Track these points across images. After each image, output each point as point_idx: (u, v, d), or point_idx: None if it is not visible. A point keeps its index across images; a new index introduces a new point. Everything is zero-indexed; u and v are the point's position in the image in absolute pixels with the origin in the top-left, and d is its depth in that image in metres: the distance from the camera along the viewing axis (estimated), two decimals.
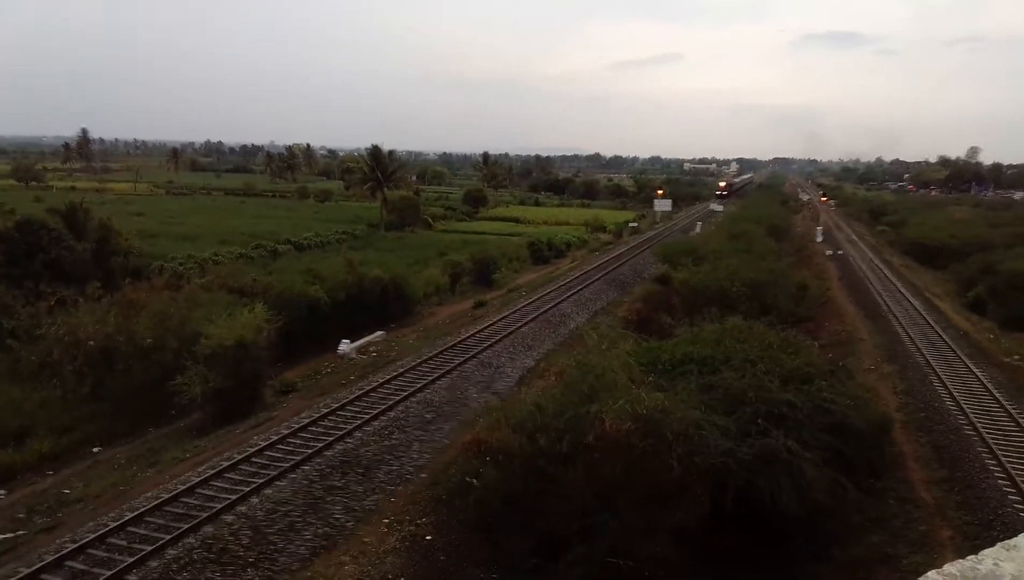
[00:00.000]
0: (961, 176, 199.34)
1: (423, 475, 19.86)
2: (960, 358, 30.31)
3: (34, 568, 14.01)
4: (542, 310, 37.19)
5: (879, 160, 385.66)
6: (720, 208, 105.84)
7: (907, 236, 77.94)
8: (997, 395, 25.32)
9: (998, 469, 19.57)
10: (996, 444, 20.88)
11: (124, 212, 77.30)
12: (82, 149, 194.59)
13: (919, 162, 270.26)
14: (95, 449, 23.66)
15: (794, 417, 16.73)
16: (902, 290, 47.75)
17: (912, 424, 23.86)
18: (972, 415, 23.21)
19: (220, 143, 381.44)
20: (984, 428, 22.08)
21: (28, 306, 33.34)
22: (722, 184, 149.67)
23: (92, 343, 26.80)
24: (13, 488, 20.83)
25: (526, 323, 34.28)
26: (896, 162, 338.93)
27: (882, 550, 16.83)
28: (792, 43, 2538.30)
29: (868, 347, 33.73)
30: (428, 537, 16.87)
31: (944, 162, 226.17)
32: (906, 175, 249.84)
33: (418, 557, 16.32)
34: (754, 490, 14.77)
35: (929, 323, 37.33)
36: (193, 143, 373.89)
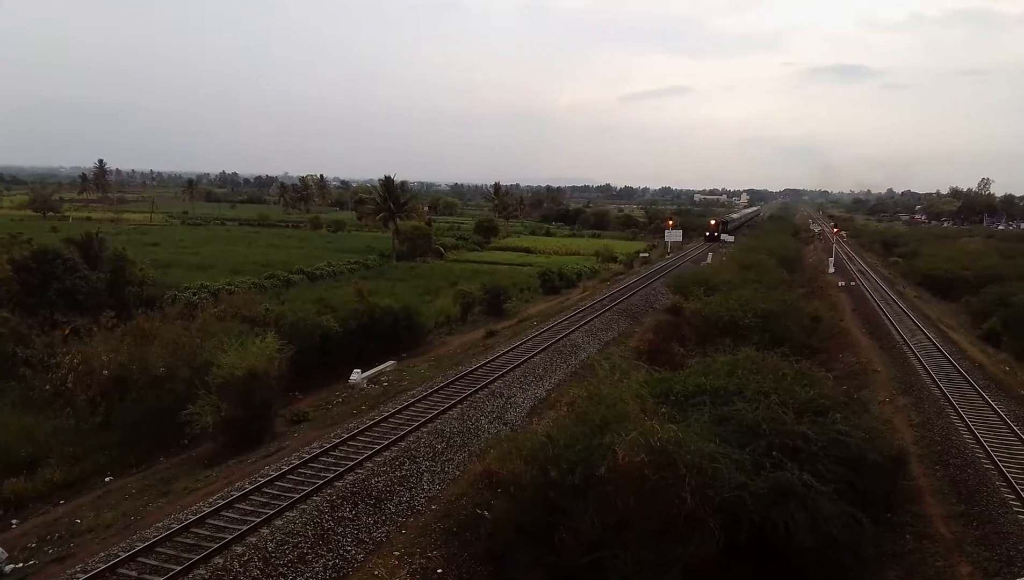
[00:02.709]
0: (973, 207, 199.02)
1: (434, 507, 19.75)
2: (976, 390, 29.96)
3: None
4: (553, 340, 37.13)
5: (890, 191, 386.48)
6: (731, 238, 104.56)
7: (920, 267, 77.69)
8: (1016, 428, 24.98)
9: (1018, 504, 19.25)
10: (1015, 479, 20.54)
11: (139, 242, 78.27)
12: (98, 180, 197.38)
13: (931, 194, 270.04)
14: (107, 478, 23.69)
15: (809, 450, 16.56)
16: (916, 321, 47.39)
17: (929, 457, 23.55)
18: (990, 449, 22.87)
19: (235, 174, 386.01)
20: (1003, 462, 21.73)
21: (43, 335, 33.66)
22: (712, 222, 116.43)
23: (105, 372, 26.94)
24: (25, 517, 20.85)
25: (537, 353, 34.21)
26: (908, 194, 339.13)
27: None
28: (799, 75, 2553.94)
29: (883, 379, 33.43)
30: (439, 570, 16.73)
31: (956, 194, 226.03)
32: (918, 206, 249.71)
33: None
34: (768, 524, 14.58)
35: (944, 354, 36.99)
36: (208, 174, 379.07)
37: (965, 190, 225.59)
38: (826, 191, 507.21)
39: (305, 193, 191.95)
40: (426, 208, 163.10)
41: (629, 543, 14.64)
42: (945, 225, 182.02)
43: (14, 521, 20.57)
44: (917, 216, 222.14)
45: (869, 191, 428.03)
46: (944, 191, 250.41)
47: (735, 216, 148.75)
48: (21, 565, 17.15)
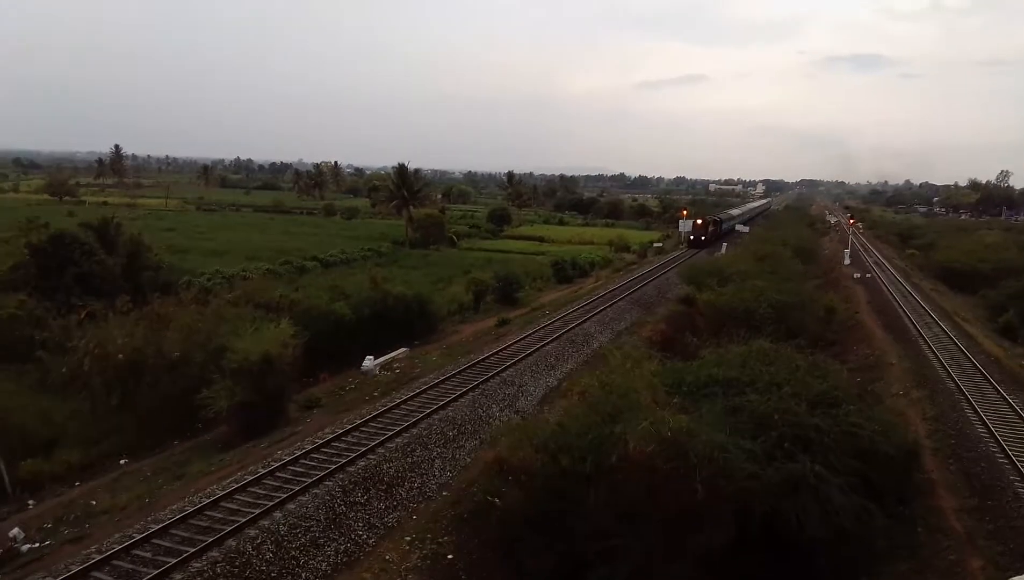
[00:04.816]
0: (992, 200, 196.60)
1: (445, 493, 19.83)
2: (991, 384, 29.70)
3: (60, 579, 14.19)
4: (565, 329, 37.08)
5: (908, 183, 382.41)
6: (746, 229, 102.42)
7: (936, 260, 77.00)
8: None
9: None
10: None
11: (155, 227, 78.75)
12: (115, 165, 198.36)
13: (949, 185, 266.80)
14: (122, 461, 23.96)
15: (821, 441, 16.53)
16: (931, 314, 46.96)
17: (942, 451, 23.39)
18: (1004, 443, 22.69)
19: (250, 160, 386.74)
20: (1017, 456, 21.56)
21: (59, 318, 33.95)
22: (699, 221, 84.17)
23: (121, 356, 27.16)
24: (42, 498, 21.14)
25: (549, 342, 34.19)
26: (926, 185, 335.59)
27: (909, 579, 16.49)
28: (814, 64, 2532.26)
29: (897, 371, 33.19)
30: (449, 556, 16.82)
31: (974, 185, 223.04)
32: (935, 198, 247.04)
33: (440, 576, 16.27)
34: (780, 515, 14.58)
35: (959, 348, 36.66)
36: (223, 160, 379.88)
37: (984, 182, 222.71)
38: (843, 182, 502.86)
39: (319, 180, 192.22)
40: (440, 196, 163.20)
41: (640, 532, 14.69)
42: (963, 217, 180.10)
43: (31, 501, 20.87)
44: (936, 209, 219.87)
45: (887, 182, 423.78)
46: (963, 183, 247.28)
47: (735, 212, 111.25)
48: (37, 545, 17.38)
